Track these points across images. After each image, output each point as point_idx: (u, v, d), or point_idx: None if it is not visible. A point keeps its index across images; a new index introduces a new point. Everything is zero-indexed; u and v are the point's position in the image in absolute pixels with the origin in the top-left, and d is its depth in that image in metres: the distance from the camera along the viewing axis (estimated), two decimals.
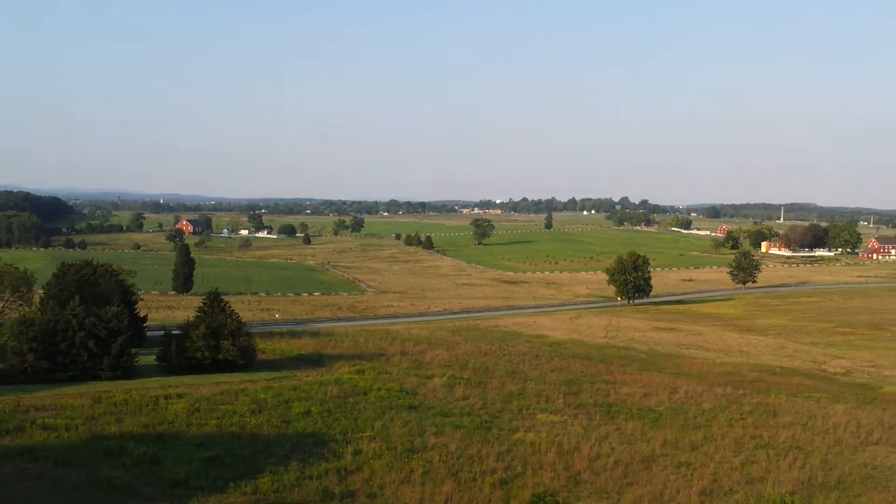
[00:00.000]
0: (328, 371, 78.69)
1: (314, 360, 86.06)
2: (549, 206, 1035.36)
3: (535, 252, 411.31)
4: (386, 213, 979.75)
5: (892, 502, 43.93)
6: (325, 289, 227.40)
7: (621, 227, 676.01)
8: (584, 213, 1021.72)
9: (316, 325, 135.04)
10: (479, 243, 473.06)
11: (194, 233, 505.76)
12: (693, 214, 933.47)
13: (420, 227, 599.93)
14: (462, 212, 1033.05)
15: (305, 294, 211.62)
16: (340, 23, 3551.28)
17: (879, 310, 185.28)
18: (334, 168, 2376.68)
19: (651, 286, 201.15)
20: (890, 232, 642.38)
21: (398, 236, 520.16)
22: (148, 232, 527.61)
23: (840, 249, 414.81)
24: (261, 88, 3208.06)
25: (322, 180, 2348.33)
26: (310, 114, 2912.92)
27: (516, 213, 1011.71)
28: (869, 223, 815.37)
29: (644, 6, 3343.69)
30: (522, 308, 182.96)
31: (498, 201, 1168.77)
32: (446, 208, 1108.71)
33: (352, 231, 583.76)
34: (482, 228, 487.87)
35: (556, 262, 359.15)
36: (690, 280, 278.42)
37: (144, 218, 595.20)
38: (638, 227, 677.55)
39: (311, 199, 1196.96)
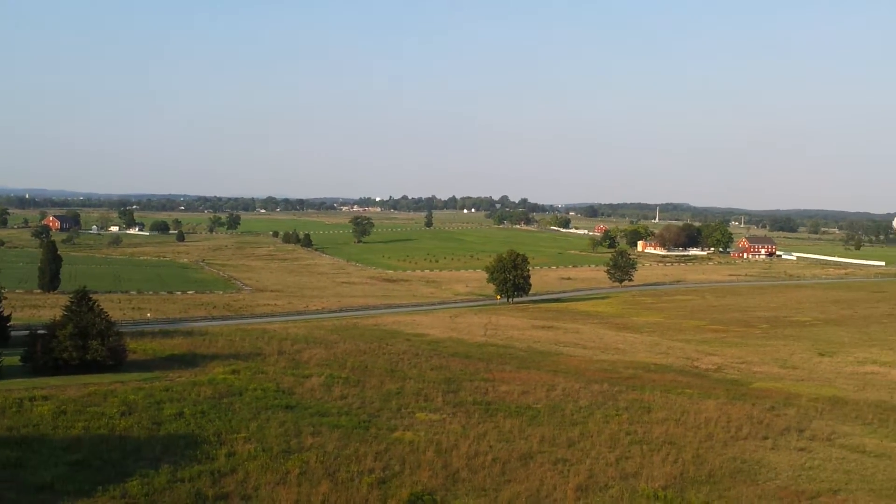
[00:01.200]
0: (202, 371, 76.69)
1: (187, 361, 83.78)
2: (429, 205, 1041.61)
3: (415, 250, 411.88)
4: (263, 211, 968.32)
5: (760, 495, 45.02)
6: (199, 287, 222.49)
7: (501, 226, 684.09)
8: (465, 211, 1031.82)
9: (190, 324, 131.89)
10: (359, 241, 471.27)
11: (62, 229, 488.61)
12: (571, 213, 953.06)
13: (298, 224, 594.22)
14: (342, 209, 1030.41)
15: (179, 293, 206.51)
16: (205, 13, 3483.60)
17: (749, 308, 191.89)
18: (210, 164, 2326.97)
19: (530, 284, 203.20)
20: (760, 232, 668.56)
21: (276, 234, 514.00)
22: (12, 228, 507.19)
23: (713, 249, 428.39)
24: (131, 80, 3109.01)
25: (197, 176, 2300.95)
26: (184, 107, 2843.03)
27: (396, 211, 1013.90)
28: (740, 223, 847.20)
29: (524, 9, 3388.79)
30: (402, 306, 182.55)
31: (378, 199, 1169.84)
32: (325, 206, 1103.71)
33: (228, 228, 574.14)
34: (362, 226, 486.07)
35: (437, 261, 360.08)
36: (569, 278, 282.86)
37: (9, 213, 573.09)
38: (518, 226, 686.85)
39: (185, 196, 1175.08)
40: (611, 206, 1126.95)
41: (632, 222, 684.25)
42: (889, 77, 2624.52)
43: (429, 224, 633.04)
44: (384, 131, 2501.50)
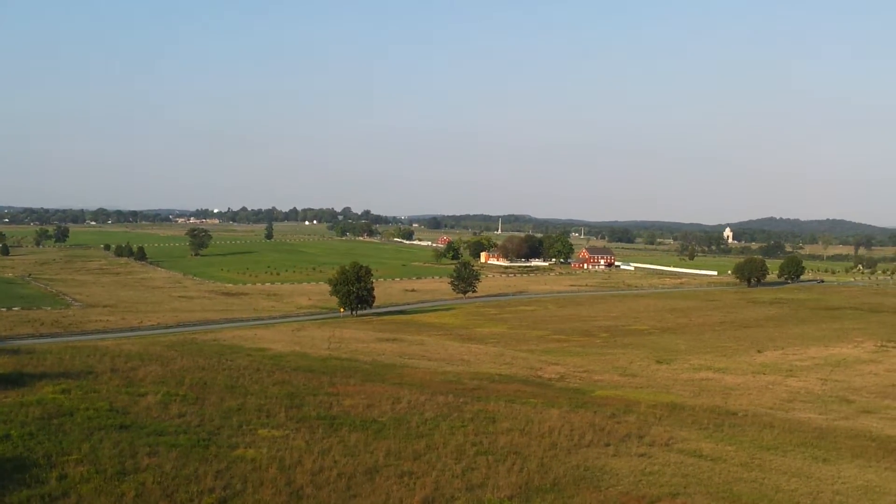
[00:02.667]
0: (29, 391, 72.42)
1: (13, 380, 79.02)
2: (269, 216, 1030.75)
3: (255, 263, 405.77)
4: (94, 223, 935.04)
5: (603, 501, 45.60)
6: (25, 303, 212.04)
7: (344, 238, 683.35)
8: (307, 223, 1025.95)
9: (15, 342, 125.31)
10: (196, 254, 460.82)
11: None
12: (415, 225, 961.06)
13: (132, 237, 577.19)
14: (177, 221, 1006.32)
15: (3, 309, 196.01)
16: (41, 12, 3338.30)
17: (590, 317, 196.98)
18: (36, 174, 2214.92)
19: (374, 297, 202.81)
20: (599, 243, 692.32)
21: (108, 247, 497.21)
22: None
23: (554, 259, 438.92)
24: None
25: (22, 187, 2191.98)
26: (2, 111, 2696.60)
27: (235, 224, 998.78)
28: (580, 234, 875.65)
29: (363, 17, 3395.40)
30: (242, 321, 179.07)
31: (216, 211, 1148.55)
32: (160, 218, 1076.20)
33: (56, 241, 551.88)
34: (199, 239, 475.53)
35: (278, 273, 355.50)
36: (413, 290, 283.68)
37: None
38: (361, 238, 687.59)
39: (9, 207, 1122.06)
40: (454, 217, 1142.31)
41: (475, 234, 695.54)
42: (719, 98, 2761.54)
43: (269, 236, 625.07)
44: (221, 141, 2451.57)
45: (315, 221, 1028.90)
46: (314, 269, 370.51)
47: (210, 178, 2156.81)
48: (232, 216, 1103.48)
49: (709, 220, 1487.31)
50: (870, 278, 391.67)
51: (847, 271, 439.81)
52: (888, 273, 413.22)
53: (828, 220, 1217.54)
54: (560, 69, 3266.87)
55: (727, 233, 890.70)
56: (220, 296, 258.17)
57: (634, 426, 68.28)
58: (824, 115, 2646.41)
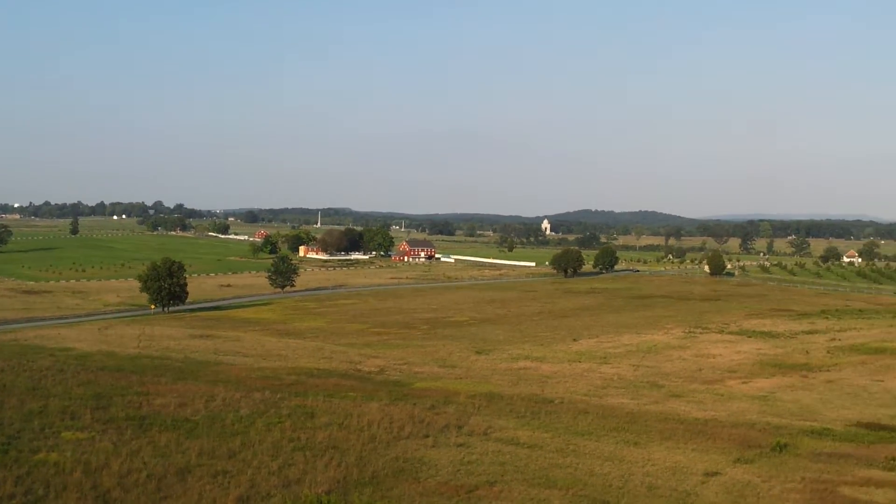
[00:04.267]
0: None
1: None
2: (74, 211, 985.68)
3: (59, 259, 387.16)
4: None
5: (422, 492, 45.72)
6: None
7: (155, 233, 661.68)
8: (115, 217, 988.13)
9: None
10: None
11: None
12: (231, 219, 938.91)
13: None
14: None
15: None
16: None
17: (410, 309, 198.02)
18: None
19: (187, 293, 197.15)
20: (419, 235, 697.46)
21: None
22: None
23: (375, 252, 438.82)
24: None
25: None
26: None
27: (38, 218, 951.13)
28: (401, 227, 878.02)
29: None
30: (45, 319, 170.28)
31: (16, 205, 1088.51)
32: None
33: None
34: None
35: (84, 270, 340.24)
36: (229, 286, 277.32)
37: None
38: (173, 233, 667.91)
39: None
40: (272, 211, 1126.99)
41: (293, 227, 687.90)
42: (536, 95, 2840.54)
43: (75, 231, 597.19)
44: (20, 129, 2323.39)
45: (124, 216, 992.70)
46: (123, 265, 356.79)
47: (8, 170, 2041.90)
48: (34, 211, 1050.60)
49: (528, 212, 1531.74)
50: (679, 267, 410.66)
51: (658, 261, 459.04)
52: (696, 262, 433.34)
53: (640, 211, 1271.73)
54: (382, 64, 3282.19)
55: (545, 224, 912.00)
56: (20, 294, 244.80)
57: (453, 417, 68.79)
58: (638, 115, 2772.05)
